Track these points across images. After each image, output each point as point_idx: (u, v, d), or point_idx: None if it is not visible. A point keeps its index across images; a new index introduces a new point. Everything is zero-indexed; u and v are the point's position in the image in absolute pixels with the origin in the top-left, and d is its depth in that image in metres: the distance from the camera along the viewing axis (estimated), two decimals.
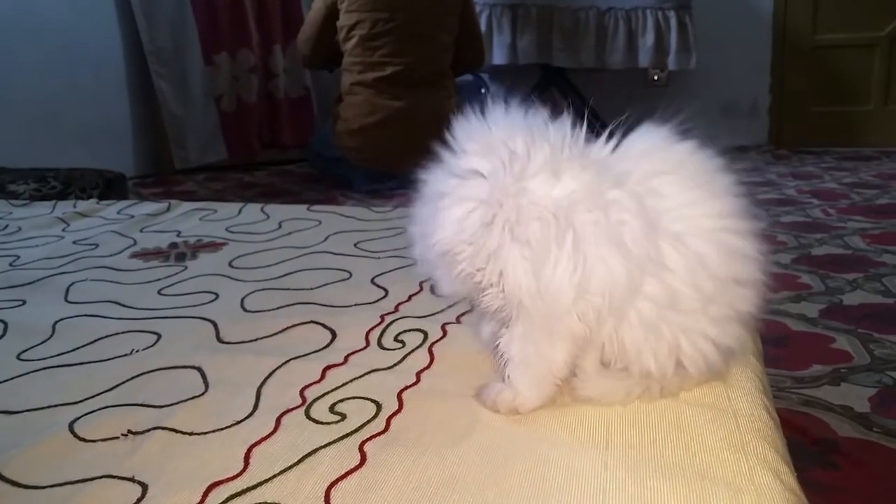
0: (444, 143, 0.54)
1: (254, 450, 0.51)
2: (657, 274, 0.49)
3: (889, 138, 3.55)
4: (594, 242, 0.48)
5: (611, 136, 0.54)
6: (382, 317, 0.75)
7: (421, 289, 0.83)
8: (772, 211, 2.40)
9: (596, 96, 3.83)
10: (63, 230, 1.22)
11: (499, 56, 3.37)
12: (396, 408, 0.56)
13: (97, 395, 0.61)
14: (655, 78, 3.74)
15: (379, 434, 0.53)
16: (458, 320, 0.73)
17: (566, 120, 0.54)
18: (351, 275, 0.91)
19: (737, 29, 3.63)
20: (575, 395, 0.55)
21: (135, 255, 1.05)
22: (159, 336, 0.74)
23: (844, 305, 1.52)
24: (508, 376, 0.54)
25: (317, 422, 0.55)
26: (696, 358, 0.52)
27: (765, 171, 3.14)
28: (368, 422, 0.54)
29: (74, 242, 1.13)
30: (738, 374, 0.58)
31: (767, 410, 0.55)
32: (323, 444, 0.52)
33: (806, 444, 1.00)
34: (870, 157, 3.39)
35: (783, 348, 1.32)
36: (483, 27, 3.19)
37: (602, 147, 0.54)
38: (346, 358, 0.66)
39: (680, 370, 0.53)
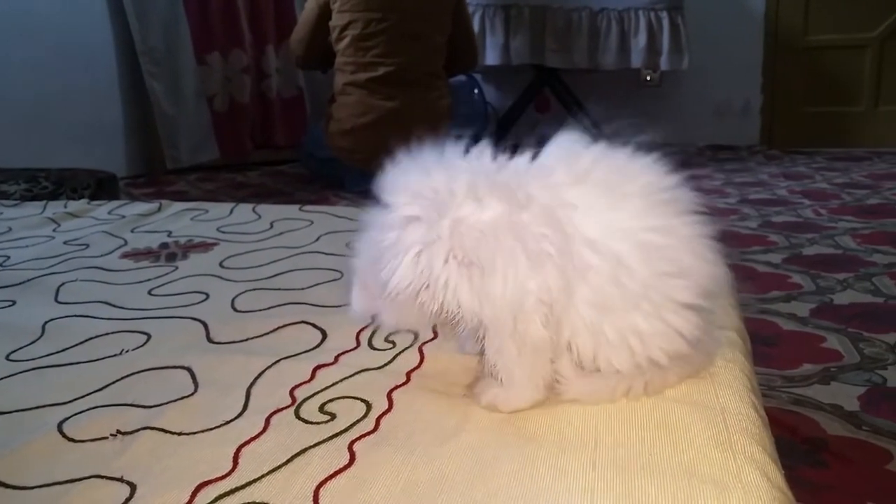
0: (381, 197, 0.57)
1: (243, 450, 0.51)
2: (584, 279, 0.51)
3: (880, 139, 3.57)
4: (523, 260, 0.50)
5: (520, 151, 0.57)
6: (373, 317, 0.75)
7: None
8: (763, 211, 2.41)
9: (589, 97, 3.85)
10: (54, 230, 1.21)
11: (492, 57, 3.37)
12: (386, 407, 0.56)
13: (86, 395, 0.61)
14: (648, 78, 3.75)
15: (368, 434, 0.53)
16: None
17: (483, 147, 0.57)
18: (342, 275, 0.91)
19: (729, 29, 3.64)
20: (559, 399, 0.55)
21: (125, 256, 1.05)
22: (149, 336, 0.73)
23: (835, 305, 1.53)
24: (499, 377, 0.55)
25: (306, 421, 0.55)
26: (650, 352, 0.53)
27: (756, 171, 3.16)
28: (358, 421, 0.55)
29: (65, 243, 1.12)
30: (725, 372, 0.59)
31: (755, 408, 0.55)
32: (312, 444, 0.52)
33: (796, 442, 1.01)
34: (861, 157, 3.41)
35: (774, 347, 1.33)
36: (476, 28, 3.19)
37: (516, 166, 0.56)
38: (337, 358, 0.66)
39: (655, 367, 0.54)
